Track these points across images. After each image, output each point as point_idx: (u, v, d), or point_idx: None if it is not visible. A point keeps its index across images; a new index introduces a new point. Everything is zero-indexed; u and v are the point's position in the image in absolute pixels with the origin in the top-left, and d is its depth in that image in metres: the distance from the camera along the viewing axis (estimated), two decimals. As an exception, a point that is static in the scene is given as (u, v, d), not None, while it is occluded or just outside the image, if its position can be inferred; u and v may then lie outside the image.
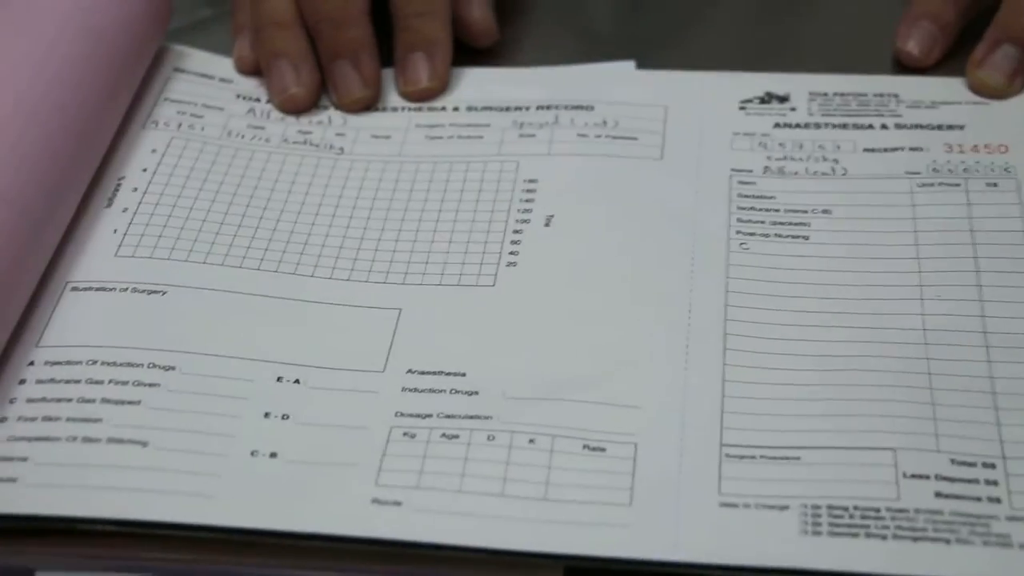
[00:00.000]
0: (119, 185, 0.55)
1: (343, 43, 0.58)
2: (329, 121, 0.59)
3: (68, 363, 0.48)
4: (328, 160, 0.57)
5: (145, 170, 0.56)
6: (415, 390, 0.47)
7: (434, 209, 0.54)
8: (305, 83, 0.59)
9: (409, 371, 0.48)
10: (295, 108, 0.59)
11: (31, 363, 0.48)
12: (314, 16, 0.58)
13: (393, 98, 0.60)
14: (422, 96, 0.59)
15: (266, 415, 0.46)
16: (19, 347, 0.48)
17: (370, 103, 0.59)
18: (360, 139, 0.58)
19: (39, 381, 0.47)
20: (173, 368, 0.47)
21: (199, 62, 0.62)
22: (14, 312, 0.48)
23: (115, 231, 0.53)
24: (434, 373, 0.48)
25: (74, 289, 0.51)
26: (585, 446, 0.45)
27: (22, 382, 0.47)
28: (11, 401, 0.46)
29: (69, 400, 0.46)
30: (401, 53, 0.60)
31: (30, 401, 0.46)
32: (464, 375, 0.48)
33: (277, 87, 0.59)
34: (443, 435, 0.45)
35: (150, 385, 0.47)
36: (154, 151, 0.56)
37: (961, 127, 0.56)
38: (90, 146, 0.54)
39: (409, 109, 0.59)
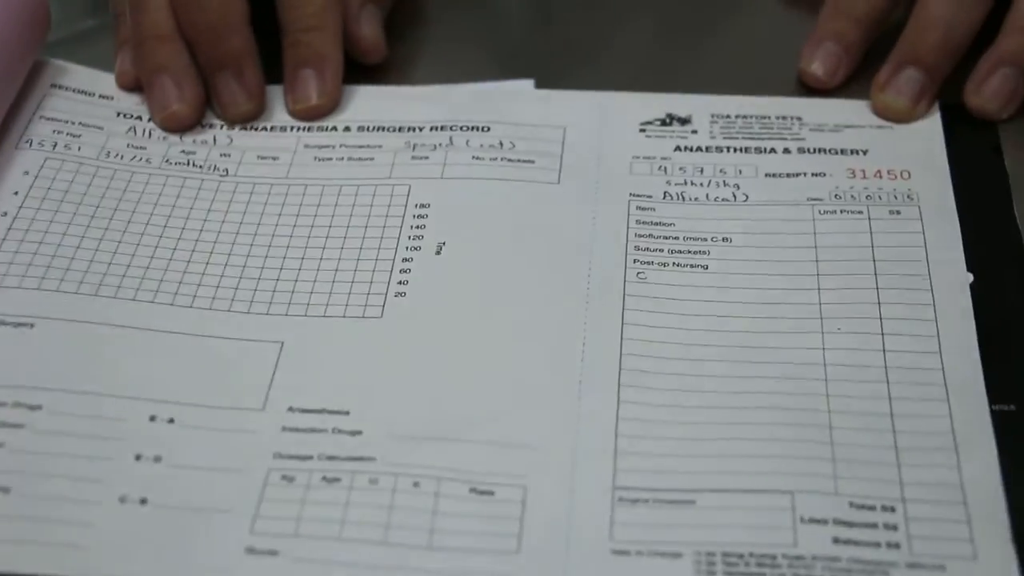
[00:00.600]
0: None
1: (224, 54, 0.56)
2: (214, 141, 0.57)
3: None
4: (212, 182, 0.55)
5: (16, 193, 0.53)
6: (296, 429, 0.45)
7: (321, 235, 0.52)
8: (187, 99, 0.56)
9: (290, 409, 0.46)
10: (177, 126, 0.57)
11: None
12: (192, 28, 0.56)
13: (282, 116, 0.58)
14: (311, 114, 0.58)
15: (137, 457, 0.44)
16: None
17: (255, 115, 0.58)
18: (246, 160, 0.56)
19: None
20: (39, 407, 0.45)
21: (78, 78, 0.59)
22: None
23: None
24: (316, 411, 0.46)
25: None
26: (472, 489, 0.43)
27: None
28: None
29: None
30: (290, 69, 0.58)
31: None
32: (348, 413, 0.46)
33: (158, 104, 0.57)
34: (324, 478, 0.43)
35: (14, 426, 0.44)
36: (26, 173, 0.54)
37: (864, 151, 0.55)
38: None
39: (298, 129, 0.57)
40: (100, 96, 0.59)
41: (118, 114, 0.58)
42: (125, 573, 0.41)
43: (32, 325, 0.48)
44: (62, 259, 0.50)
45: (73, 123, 0.57)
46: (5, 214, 0.52)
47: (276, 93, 0.59)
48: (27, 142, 0.55)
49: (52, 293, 0.49)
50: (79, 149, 0.56)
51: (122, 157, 0.55)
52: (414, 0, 0.64)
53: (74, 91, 0.58)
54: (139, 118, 0.58)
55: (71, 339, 0.48)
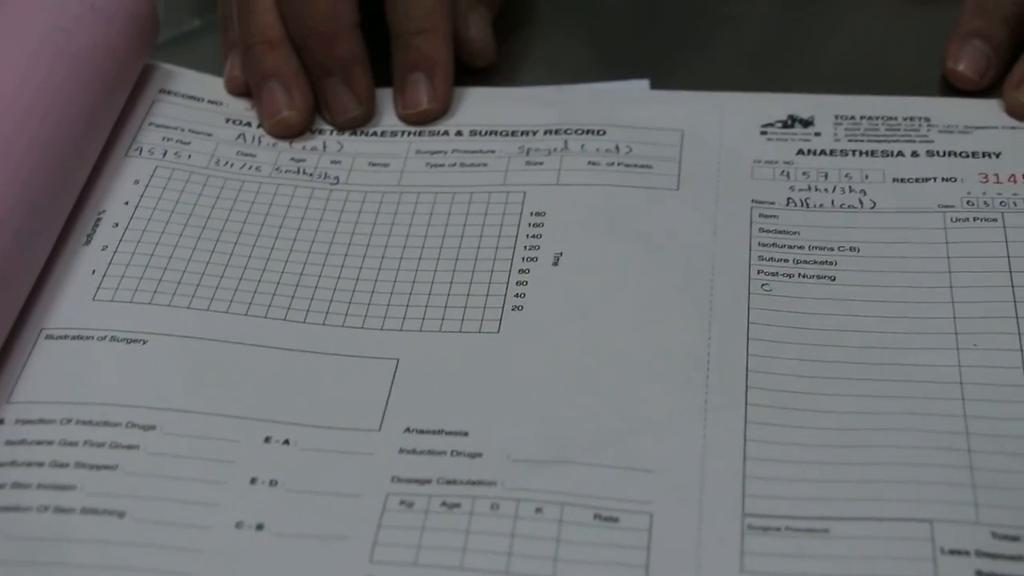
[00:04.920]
0: (99, 220, 0.52)
1: (334, 59, 0.56)
2: (324, 147, 0.56)
3: (41, 421, 0.45)
4: (323, 191, 0.54)
5: (127, 203, 0.53)
6: (413, 451, 0.44)
7: (435, 246, 0.51)
8: (297, 105, 0.56)
9: (407, 430, 0.45)
10: (287, 132, 0.56)
11: (0, 421, 0.45)
12: (301, 32, 0.55)
13: (392, 121, 0.57)
14: (422, 119, 0.57)
15: (252, 481, 0.43)
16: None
17: (365, 121, 0.57)
18: (356, 167, 0.55)
19: (9, 442, 0.44)
20: (153, 428, 0.44)
21: (187, 82, 0.59)
22: None
23: (93, 272, 0.50)
24: (434, 432, 0.45)
25: (48, 337, 0.47)
26: (596, 515, 0.42)
27: None
28: None
29: (41, 464, 0.43)
30: (399, 74, 0.57)
31: (3, 463, 0.43)
32: (466, 435, 0.45)
33: (268, 110, 0.56)
34: (443, 503, 0.42)
35: (128, 447, 0.44)
36: (137, 182, 0.53)
37: (997, 155, 0.53)
38: (69, 178, 0.51)
39: (409, 133, 0.57)
40: (209, 101, 0.58)
41: (227, 120, 0.57)
42: None
43: (145, 342, 0.47)
44: (174, 272, 0.50)
45: (183, 130, 0.56)
46: (116, 225, 0.52)
47: (386, 97, 0.58)
48: (137, 150, 0.55)
49: (164, 308, 0.49)
50: (189, 157, 0.55)
51: (232, 165, 0.55)
52: (522, 0, 0.63)
53: (183, 96, 0.58)
54: (248, 124, 0.57)
55: (184, 356, 0.47)
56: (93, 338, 0.47)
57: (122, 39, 0.55)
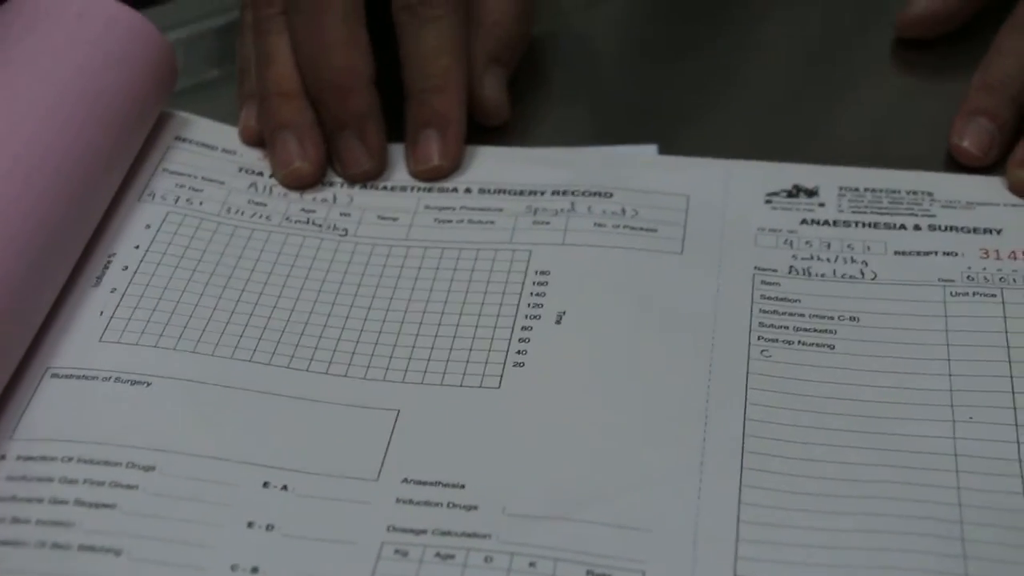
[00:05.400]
0: (109, 262, 0.52)
1: (348, 113, 0.56)
2: (334, 199, 0.57)
3: (43, 459, 0.45)
4: (331, 242, 0.54)
5: (137, 247, 0.53)
6: (410, 502, 0.44)
7: (439, 300, 0.52)
8: (310, 157, 0.57)
9: (405, 480, 0.45)
10: (299, 183, 0.57)
11: (2, 457, 0.45)
12: (318, 86, 0.56)
13: (402, 176, 0.58)
14: (432, 175, 0.57)
15: (249, 524, 0.43)
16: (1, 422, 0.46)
17: (376, 175, 0.57)
18: (366, 220, 0.56)
19: (10, 478, 0.44)
20: (153, 468, 0.45)
21: (202, 131, 0.59)
22: None
23: (101, 313, 0.50)
24: (431, 484, 0.45)
25: (55, 376, 0.48)
26: (589, 572, 0.42)
27: None
28: None
29: (40, 500, 0.44)
30: (412, 129, 0.58)
31: (4, 498, 0.44)
32: (463, 487, 0.45)
33: (281, 160, 0.57)
34: (437, 554, 0.43)
35: (127, 487, 0.44)
36: (148, 226, 0.54)
37: (999, 231, 0.54)
38: (82, 220, 0.52)
39: (418, 189, 0.57)
40: (223, 150, 0.59)
41: (240, 169, 0.58)
42: None
43: (149, 384, 0.48)
44: (181, 316, 0.50)
45: (195, 177, 0.57)
46: (126, 268, 0.52)
47: (397, 152, 0.58)
48: (150, 195, 0.56)
49: (170, 351, 0.49)
50: (201, 204, 0.56)
51: (243, 213, 0.56)
52: (536, 61, 0.64)
53: (197, 144, 0.59)
54: (260, 174, 0.58)
55: (187, 399, 0.47)
56: (98, 378, 0.48)
57: (140, 86, 0.56)
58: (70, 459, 0.45)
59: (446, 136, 0.57)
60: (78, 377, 0.48)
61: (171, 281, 0.52)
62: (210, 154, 0.58)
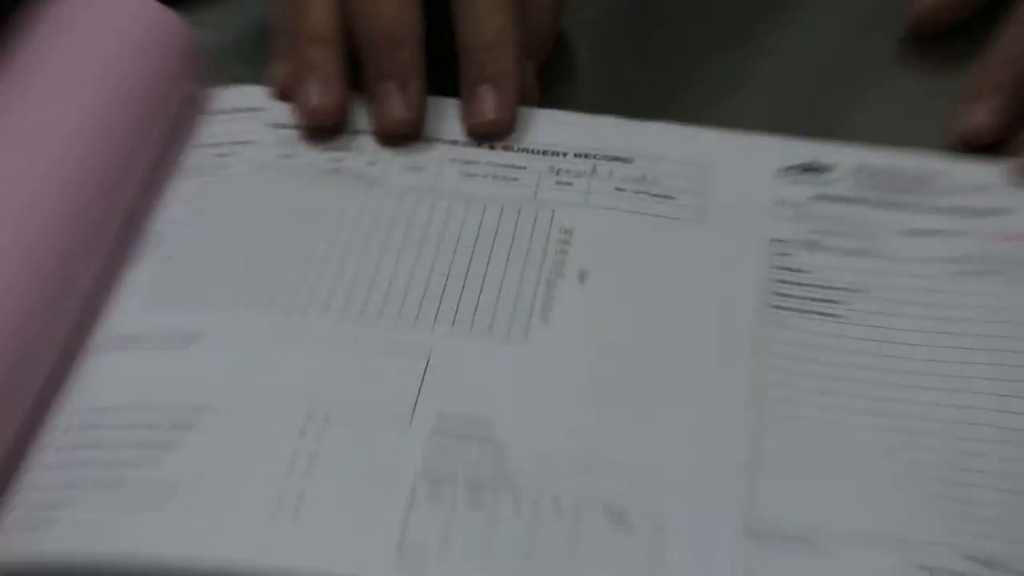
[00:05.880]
0: (152, 237, 0.54)
1: (393, 63, 0.56)
2: (360, 150, 0.57)
3: (104, 410, 0.47)
4: (359, 192, 0.55)
5: (178, 221, 0.54)
6: (441, 443, 0.46)
7: (466, 252, 0.53)
8: (334, 94, 0.57)
9: (436, 422, 0.47)
10: (319, 121, 0.57)
11: (72, 414, 0.47)
12: (366, 32, 0.56)
13: (427, 130, 0.58)
14: (489, 129, 0.58)
15: (292, 460, 0.45)
16: (59, 401, 0.48)
17: (410, 129, 0.57)
18: (392, 170, 0.56)
19: (77, 430, 0.46)
20: (203, 415, 0.46)
21: (230, 97, 0.60)
22: (43, 368, 0.47)
23: (145, 283, 0.52)
24: (462, 422, 0.47)
25: (110, 342, 0.50)
26: (609, 515, 0.44)
27: (64, 431, 0.47)
28: (49, 450, 0.46)
29: (101, 447, 0.46)
30: (467, 86, 0.58)
31: (69, 449, 0.46)
32: (491, 431, 0.46)
33: (302, 100, 0.57)
34: (467, 495, 0.44)
35: (181, 431, 0.46)
36: (186, 201, 0.55)
37: (1004, 213, 0.55)
38: (118, 203, 0.53)
39: (443, 142, 0.58)
40: (250, 109, 0.59)
41: (267, 124, 0.58)
42: (280, 569, 0.42)
43: (194, 340, 0.49)
44: (220, 275, 0.52)
45: (226, 143, 0.58)
46: (168, 241, 0.53)
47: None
48: (186, 171, 0.56)
49: (211, 308, 0.50)
50: (232, 167, 0.56)
51: (273, 169, 0.56)
52: (563, 56, 0.65)
53: (228, 111, 0.59)
54: (286, 126, 0.58)
55: (229, 351, 0.49)
56: (147, 339, 0.50)
57: (164, 72, 0.57)
58: (128, 409, 0.47)
59: (502, 91, 0.57)
60: (128, 340, 0.50)
61: (209, 245, 0.53)
62: (240, 117, 0.59)
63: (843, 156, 0.57)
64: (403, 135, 0.57)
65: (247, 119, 0.59)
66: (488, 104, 0.57)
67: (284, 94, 0.59)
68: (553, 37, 0.63)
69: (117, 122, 0.53)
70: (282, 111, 0.59)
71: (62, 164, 0.50)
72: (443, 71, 0.58)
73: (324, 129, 0.57)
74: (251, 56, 0.63)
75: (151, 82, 0.56)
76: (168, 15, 0.57)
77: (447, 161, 0.57)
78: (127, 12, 0.56)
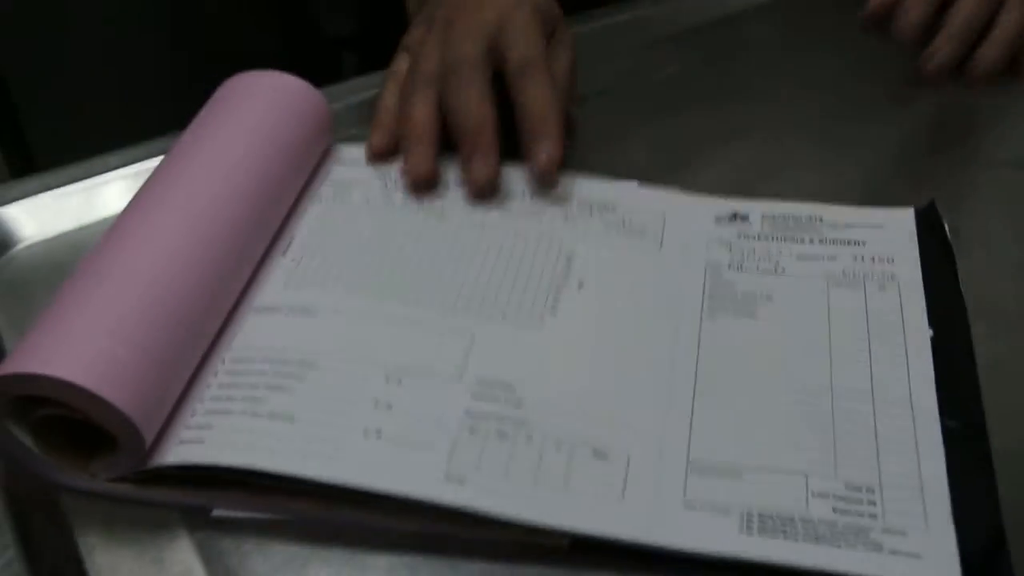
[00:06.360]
0: (291, 241, 0.51)
1: (481, 142, 0.52)
2: (437, 195, 0.54)
3: (245, 360, 0.44)
4: (432, 220, 0.53)
5: (309, 231, 0.52)
6: (480, 396, 0.43)
7: (502, 266, 0.50)
8: (431, 163, 0.54)
9: (477, 381, 0.44)
10: (419, 180, 0.54)
11: (223, 362, 0.45)
12: (464, 125, 0.53)
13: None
14: (545, 176, 0.53)
15: (375, 404, 0.43)
16: (216, 352, 0.45)
17: (494, 186, 0.53)
18: (456, 210, 0.53)
19: (226, 373, 0.44)
20: (315, 366, 0.44)
21: (352, 153, 0.57)
22: (214, 327, 0.45)
23: (286, 271, 0.49)
24: (494, 384, 0.44)
25: (255, 311, 0.47)
26: (594, 452, 0.42)
27: (215, 375, 0.44)
28: (207, 387, 0.43)
29: (242, 387, 0.43)
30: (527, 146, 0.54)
31: (219, 387, 0.43)
32: (515, 389, 0.44)
33: (411, 164, 0.54)
34: (497, 432, 0.42)
35: (298, 378, 0.43)
36: (317, 217, 0.53)
37: (864, 243, 0.52)
38: (273, 218, 0.51)
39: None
40: (364, 163, 0.56)
41: (375, 172, 0.56)
42: (363, 481, 0.40)
43: (315, 313, 0.47)
44: (335, 269, 0.49)
45: (347, 182, 0.55)
46: (302, 244, 0.51)
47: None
48: (318, 199, 0.54)
49: (328, 291, 0.48)
50: (350, 198, 0.54)
51: (377, 202, 0.54)
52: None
53: (350, 162, 0.57)
54: (389, 176, 0.55)
55: (338, 322, 0.46)
56: (282, 310, 0.47)
57: (308, 135, 0.54)
58: (264, 361, 0.44)
59: (555, 149, 0.53)
60: (269, 310, 0.47)
61: (328, 248, 0.51)
62: (357, 167, 0.56)
63: (755, 208, 0.55)
64: (490, 190, 0.54)
65: (361, 169, 0.56)
66: (543, 158, 0.53)
67: (377, 159, 0.56)
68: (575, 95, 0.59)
69: (275, 164, 0.51)
70: (384, 167, 0.56)
71: (239, 190, 0.48)
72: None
73: (420, 186, 0.54)
74: (361, 120, 0.61)
75: (299, 138, 0.53)
76: (312, 92, 0.55)
77: (493, 205, 0.54)
78: (286, 89, 0.54)
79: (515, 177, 0.55)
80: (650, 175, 0.56)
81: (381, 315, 0.47)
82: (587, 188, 0.56)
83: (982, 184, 0.57)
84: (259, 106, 0.52)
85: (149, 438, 0.40)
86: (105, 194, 0.57)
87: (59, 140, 1.02)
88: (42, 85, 1.21)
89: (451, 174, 0.55)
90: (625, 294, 0.49)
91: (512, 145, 0.55)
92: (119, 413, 0.38)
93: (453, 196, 0.55)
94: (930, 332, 0.47)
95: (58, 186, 0.57)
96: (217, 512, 0.41)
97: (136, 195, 0.47)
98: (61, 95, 1.22)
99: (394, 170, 0.56)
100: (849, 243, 0.52)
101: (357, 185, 0.55)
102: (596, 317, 0.48)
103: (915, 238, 0.52)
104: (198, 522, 0.40)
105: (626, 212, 0.54)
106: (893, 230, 0.53)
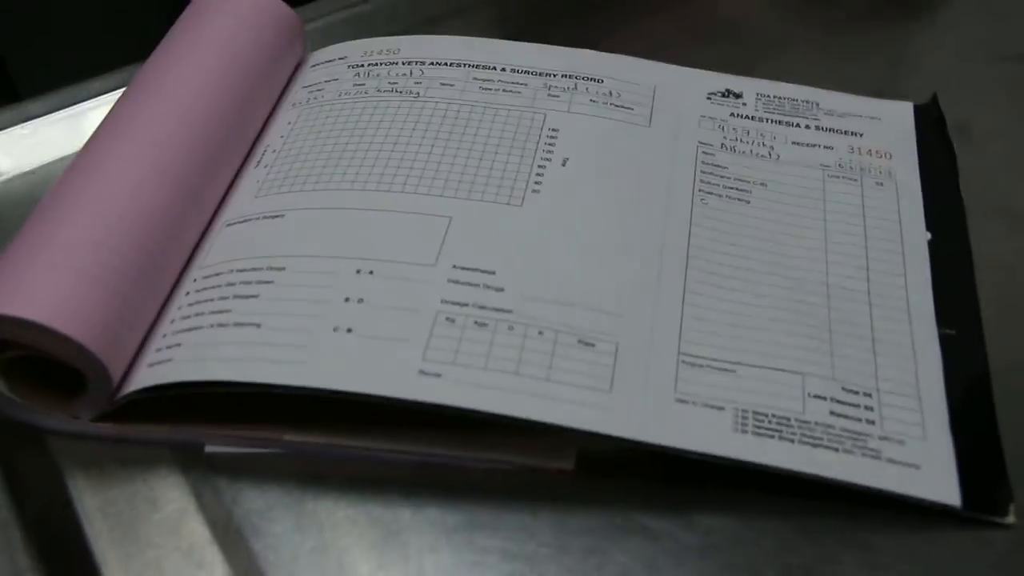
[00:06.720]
0: (265, 151, 0.47)
1: None
2: (410, 74, 0.50)
3: (215, 275, 0.41)
4: (407, 103, 0.49)
5: (282, 137, 0.48)
6: (457, 282, 0.40)
7: (480, 143, 0.46)
8: None
9: (454, 266, 0.41)
10: None
11: (194, 280, 0.41)
12: None
13: (455, 55, 0.51)
14: None
15: (346, 300, 0.39)
16: (189, 271, 0.42)
17: None
18: (431, 87, 0.50)
19: (196, 291, 0.40)
20: (283, 269, 0.40)
21: (324, 54, 0.53)
22: (183, 249, 0.42)
23: (258, 181, 0.45)
24: (472, 270, 0.41)
25: (227, 224, 0.43)
26: (580, 341, 0.39)
27: (187, 294, 0.41)
28: (179, 307, 0.40)
29: (211, 300, 0.40)
30: None
31: (189, 305, 0.40)
32: (494, 274, 0.41)
33: None
34: (475, 322, 0.39)
35: (266, 283, 0.40)
36: (289, 123, 0.48)
37: (861, 134, 0.49)
38: (243, 132, 0.47)
39: (468, 66, 0.51)
40: (338, 59, 0.52)
41: (349, 66, 0.51)
42: (332, 382, 0.37)
43: (283, 216, 0.43)
44: (305, 169, 0.45)
45: (320, 83, 0.51)
46: (275, 151, 0.47)
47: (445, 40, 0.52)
48: (292, 104, 0.50)
49: (296, 193, 0.44)
50: (323, 96, 0.50)
51: (350, 95, 0.49)
52: None
53: (324, 63, 0.52)
54: (361, 65, 0.51)
55: (306, 221, 0.43)
56: (251, 219, 0.43)
57: (278, 49, 0.50)
58: (231, 271, 0.41)
59: None
60: (240, 222, 0.43)
61: (300, 151, 0.46)
62: (330, 65, 0.52)
63: (750, 86, 0.51)
64: None
65: (334, 66, 0.52)
66: None
67: None
68: None
69: (234, 78, 0.47)
70: (357, 54, 0.52)
71: (204, 112, 0.45)
72: None
73: None
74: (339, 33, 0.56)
75: (259, 50, 0.49)
76: (280, 5, 0.51)
77: (471, 79, 0.50)
78: (253, 4, 0.50)
79: (495, 49, 0.51)
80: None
81: (352, 207, 0.43)
82: (572, 59, 0.52)
83: (995, 79, 0.54)
84: (225, 23, 0.48)
85: (115, 368, 0.37)
86: (89, 122, 0.52)
87: (42, 72, 0.97)
88: (23, 19, 1.12)
89: (429, 52, 0.51)
90: (612, 172, 0.46)
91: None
92: (75, 344, 0.35)
93: (430, 75, 0.50)
94: (928, 235, 0.44)
95: (38, 116, 0.52)
96: (210, 449, 0.38)
97: (100, 124, 0.44)
98: (43, 26, 1.13)
99: (369, 58, 0.51)
100: (846, 133, 0.49)
101: (331, 83, 0.51)
102: (581, 196, 0.44)
103: (913, 134, 0.49)
104: (191, 461, 0.38)
105: (614, 84, 0.50)
106: (891, 123, 0.50)
